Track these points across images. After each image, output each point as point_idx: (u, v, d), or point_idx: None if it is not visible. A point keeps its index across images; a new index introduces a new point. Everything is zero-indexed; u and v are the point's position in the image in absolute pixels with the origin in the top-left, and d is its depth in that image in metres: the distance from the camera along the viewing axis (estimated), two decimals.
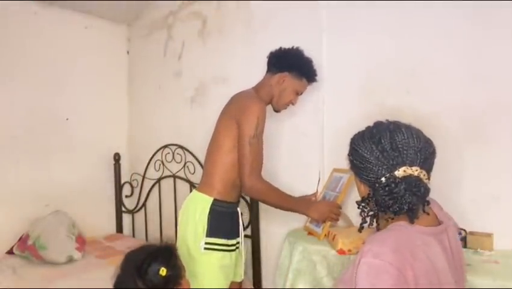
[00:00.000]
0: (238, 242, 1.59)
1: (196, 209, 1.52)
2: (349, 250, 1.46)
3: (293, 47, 1.66)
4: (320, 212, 1.55)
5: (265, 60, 2.08)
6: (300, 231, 1.80)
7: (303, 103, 1.96)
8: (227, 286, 1.57)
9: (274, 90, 1.63)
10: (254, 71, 2.14)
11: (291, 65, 1.61)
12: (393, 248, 0.83)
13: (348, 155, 1.04)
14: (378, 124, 0.99)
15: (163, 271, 1.11)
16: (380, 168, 0.91)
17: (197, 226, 1.50)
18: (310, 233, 1.73)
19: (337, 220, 1.59)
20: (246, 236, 2.14)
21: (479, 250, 1.43)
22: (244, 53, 2.21)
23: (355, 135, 1.03)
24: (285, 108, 1.71)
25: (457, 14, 1.52)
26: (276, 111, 1.71)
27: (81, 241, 2.42)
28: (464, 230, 1.49)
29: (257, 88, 1.67)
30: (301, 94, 1.69)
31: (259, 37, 2.12)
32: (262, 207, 2.10)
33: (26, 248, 2.29)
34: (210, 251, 1.48)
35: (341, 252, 1.48)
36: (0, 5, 2.43)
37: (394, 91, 1.69)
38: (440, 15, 1.56)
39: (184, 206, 1.61)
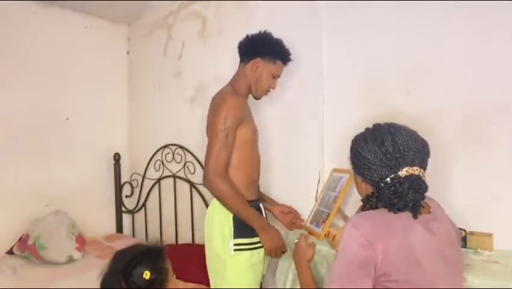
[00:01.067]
0: None
1: (220, 214, 1.53)
2: None
3: (260, 32, 1.64)
4: (271, 241, 1.52)
5: None
6: (300, 231, 1.80)
7: (304, 103, 1.96)
8: (257, 286, 1.58)
9: (250, 78, 1.60)
10: None
11: (261, 50, 1.59)
12: (370, 222, 0.97)
13: (350, 156, 1.11)
14: (378, 127, 1.07)
15: (146, 275, 1.13)
16: (384, 168, 0.99)
17: (224, 229, 1.51)
18: (310, 233, 1.73)
19: (278, 257, 1.59)
20: None
21: (479, 250, 1.43)
22: None
23: (357, 138, 1.09)
24: (266, 94, 1.68)
25: (457, 14, 1.52)
26: (257, 98, 1.69)
27: (81, 241, 2.42)
28: (464, 230, 1.49)
29: (233, 82, 1.65)
30: (278, 77, 1.66)
31: None
32: None
33: (26, 248, 2.29)
34: (239, 252, 1.50)
35: None
36: (0, 5, 2.43)
37: (394, 91, 1.69)
38: (440, 15, 1.56)
39: (207, 214, 1.62)
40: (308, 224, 1.79)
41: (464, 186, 1.53)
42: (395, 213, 0.97)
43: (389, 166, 0.99)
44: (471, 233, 1.48)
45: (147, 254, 1.18)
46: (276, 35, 2.05)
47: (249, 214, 1.51)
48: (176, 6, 2.67)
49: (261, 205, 1.65)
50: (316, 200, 1.85)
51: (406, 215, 0.98)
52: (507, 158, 1.44)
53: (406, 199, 0.96)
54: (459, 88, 1.53)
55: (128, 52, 3.13)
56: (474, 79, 1.50)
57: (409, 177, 0.97)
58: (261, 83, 1.61)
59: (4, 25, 2.48)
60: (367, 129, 1.09)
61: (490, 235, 1.45)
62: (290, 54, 1.66)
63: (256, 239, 1.54)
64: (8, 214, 2.45)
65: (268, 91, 1.67)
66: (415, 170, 0.98)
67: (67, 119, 2.77)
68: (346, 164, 1.71)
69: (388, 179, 0.98)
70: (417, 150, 0.99)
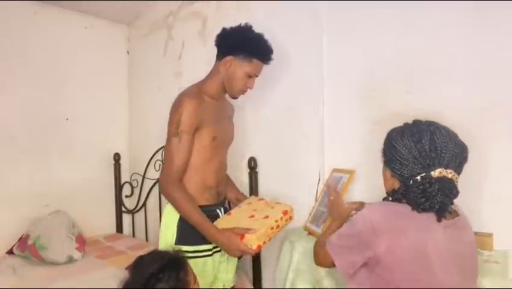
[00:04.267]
0: (215, 247, 1.48)
1: (167, 219, 1.48)
2: None
3: (239, 25, 1.49)
4: (227, 247, 1.38)
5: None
6: (300, 231, 1.80)
7: (304, 103, 1.96)
8: None
9: (223, 76, 1.48)
10: None
11: (235, 47, 1.45)
12: (385, 212, 0.96)
13: (383, 149, 1.07)
14: (418, 123, 1.03)
15: None
16: (416, 166, 0.96)
17: (167, 234, 1.46)
18: (310, 233, 1.73)
19: (239, 256, 1.48)
20: None
21: (479, 250, 1.43)
22: None
23: (393, 131, 1.06)
24: (242, 94, 1.56)
25: (457, 14, 1.52)
26: (233, 98, 1.58)
27: (81, 241, 2.43)
28: None
29: (204, 80, 1.54)
30: (256, 76, 1.52)
31: None
32: None
33: (26, 248, 2.29)
34: None
35: None
36: (0, 5, 2.43)
37: (394, 91, 1.69)
38: (440, 15, 1.56)
39: (162, 215, 1.56)
40: (308, 224, 1.79)
41: (464, 186, 1.52)
42: (418, 212, 0.95)
43: (422, 164, 0.95)
44: None
45: (167, 269, 1.16)
46: (276, 35, 2.05)
47: (198, 224, 1.39)
48: (176, 6, 2.67)
49: (218, 210, 1.56)
50: (316, 200, 1.85)
51: (428, 216, 0.95)
52: (507, 157, 1.44)
53: (434, 201, 0.93)
54: (460, 88, 1.53)
55: (128, 52, 3.14)
56: (474, 79, 1.50)
57: (442, 179, 0.94)
58: (234, 82, 1.49)
59: (4, 25, 2.48)
60: (405, 124, 1.06)
61: (490, 235, 1.45)
62: (270, 51, 1.51)
63: (200, 248, 1.46)
64: (8, 214, 2.46)
65: (245, 91, 1.54)
66: (448, 173, 0.94)
67: (67, 119, 2.78)
68: (346, 164, 1.73)
69: (418, 177, 0.95)
70: (455, 153, 0.96)
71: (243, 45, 1.46)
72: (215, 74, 1.52)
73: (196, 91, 1.48)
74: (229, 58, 1.46)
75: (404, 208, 0.97)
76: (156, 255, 1.23)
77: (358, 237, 0.97)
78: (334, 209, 1.39)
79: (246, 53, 1.46)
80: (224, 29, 1.52)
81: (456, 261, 0.94)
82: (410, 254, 0.90)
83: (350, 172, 1.64)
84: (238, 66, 1.47)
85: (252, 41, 1.47)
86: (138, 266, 1.19)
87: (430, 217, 0.94)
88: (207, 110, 1.47)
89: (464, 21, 1.51)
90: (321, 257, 1.13)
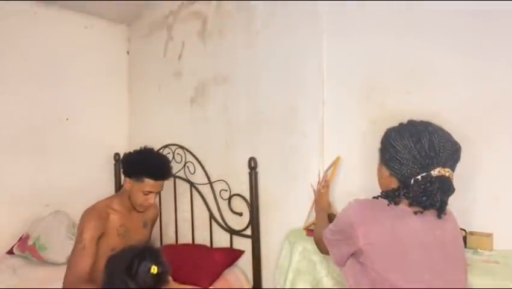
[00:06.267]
0: None
1: None
2: None
3: (136, 150, 1.75)
4: None
5: (266, 60, 2.10)
6: (300, 231, 1.80)
7: (304, 103, 1.96)
8: None
9: (128, 193, 1.67)
10: (254, 71, 2.15)
11: (127, 170, 1.68)
12: (362, 206, 1.04)
13: (381, 148, 1.10)
14: (415, 124, 1.06)
15: (154, 269, 1.05)
16: (416, 166, 0.99)
17: None
18: (309, 231, 1.73)
19: None
20: (246, 236, 2.14)
21: (479, 250, 1.43)
22: (244, 53, 2.22)
23: (391, 131, 1.09)
24: (144, 208, 1.71)
25: (457, 14, 1.52)
26: (138, 211, 1.73)
27: None
28: (464, 230, 1.48)
29: (115, 195, 1.80)
30: (154, 192, 1.67)
31: (260, 37, 2.12)
32: (262, 207, 2.10)
33: (26, 248, 2.29)
34: None
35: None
36: (0, 5, 2.43)
37: (394, 91, 1.69)
38: (440, 16, 1.56)
39: None
40: (307, 223, 1.79)
41: (464, 186, 1.53)
42: (421, 212, 0.99)
43: (421, 164, 0.99)
44: (471, 233, 1.48)
45: (147, 252, 1.13)
46: (276, 35, 2.06)
47: None
48: (176, 6, 2.67)
49: None
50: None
51: (402, 208, 1.00)
52: (507, 157, 1.44)
53: (434, 199, 0.97)
54: (459, 88, 1.53)
55: (128, 52, 3.14)
56: (474, 79, 1.50)
57: (440, 178, 0.98)
58: (133, 199, 1.67)
59: (4, 25, 2.48)
60: (401, 124, 1.09)
61: (490, 235, 1.45)
62: (158, 169, 1.68)
63: None
64: (8, 214, 2.46)
65: (146, 205, 1.69)
66: (446, 172, 0.99)
67: (67, 119, 2.78)
68: (346, 164, 1.73)
69: (419, 177, 0.99)
70: (451, 152, 1.00)
71: (132, 168, 1.67)
72: (123, 190, 1.71)
73: (99, 207, 1.66)
74: (127, 179, 1.67)
75: (378, 202, 1.03)
76: (129, 247, 1.17)
77: (343, 233, 1.05)
78: (319, 201, 1.55)
79: (136, 175, 1.64)
80: (124, 154, 1.78)
81: (440, 248, 0.98)
82: (384, 239, 0.96)
83: (335, 160, 1.71)
84: (133, 185, 1.65)
85: (139, 163, 1.67)
86: (113, 259, 1.13)
87: (404, 208, 1.00)
88: (110, 223, 1.63)
89: (464, 21, 1.51)
90: (322, 247, 1.24)
